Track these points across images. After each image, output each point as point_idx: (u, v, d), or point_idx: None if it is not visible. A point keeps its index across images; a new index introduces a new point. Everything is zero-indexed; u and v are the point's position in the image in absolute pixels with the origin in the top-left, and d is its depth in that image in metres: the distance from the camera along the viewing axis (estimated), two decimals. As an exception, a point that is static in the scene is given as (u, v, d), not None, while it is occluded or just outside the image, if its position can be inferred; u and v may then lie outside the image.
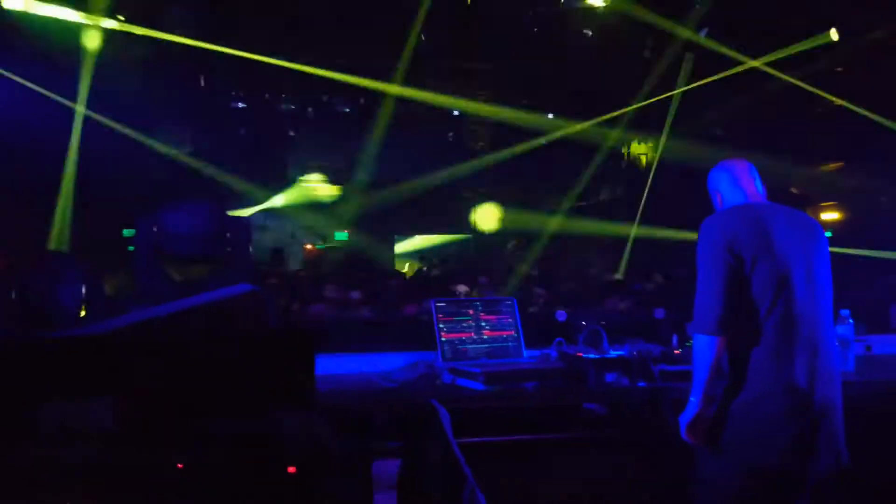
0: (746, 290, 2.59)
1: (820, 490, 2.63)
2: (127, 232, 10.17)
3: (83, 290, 2.77)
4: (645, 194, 10.72)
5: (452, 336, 3.41)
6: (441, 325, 3.40)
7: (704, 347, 2.58)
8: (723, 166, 2.88)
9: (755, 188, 2.83)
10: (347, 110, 12.23)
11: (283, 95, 12.16)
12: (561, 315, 3.77)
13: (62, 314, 2.71)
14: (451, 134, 13.16)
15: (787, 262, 2.62)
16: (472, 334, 3.45)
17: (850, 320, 3.40)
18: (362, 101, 11.64)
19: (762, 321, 2.58)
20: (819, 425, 2.59)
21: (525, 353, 3.48)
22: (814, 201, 11.27)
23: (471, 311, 3.49)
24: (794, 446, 2.57)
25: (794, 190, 10.67)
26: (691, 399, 2.63)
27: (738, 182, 2.82)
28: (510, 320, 3.53)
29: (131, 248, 3.07)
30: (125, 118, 8.83)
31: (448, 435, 2.73)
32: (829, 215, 11.65)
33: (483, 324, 3.48)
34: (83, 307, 2.76)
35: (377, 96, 10.13)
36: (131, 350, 2.26)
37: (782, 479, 2.63)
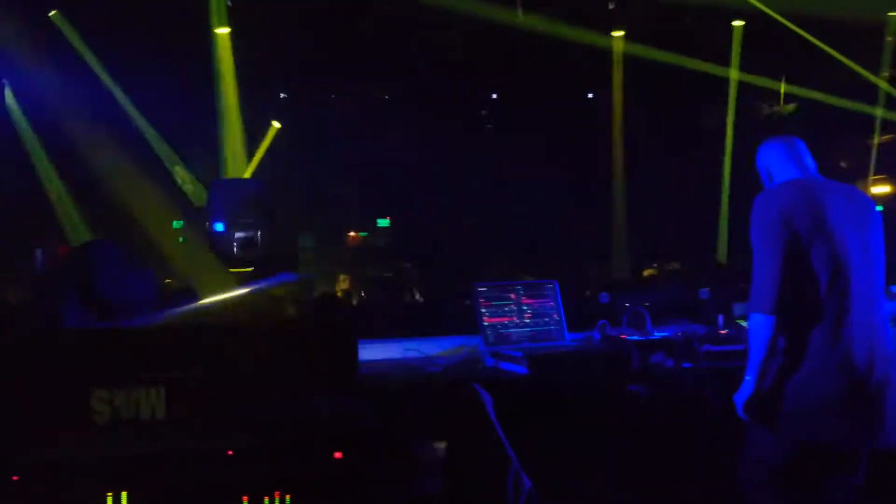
0: (803, 267, 2.55)
1: (873, 468, 2.63)
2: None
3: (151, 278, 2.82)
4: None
5: (495, 320, 3.42)
6: (483, 310, 3.41)
7: (761, 326, 2.54)
8: (772, 142, 2.83)
9: (806, 163, 2.76)
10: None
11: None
12: (604, 297, 3.75)
13: (131, 301, 2.75)
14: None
15: (844, 239, 2.57)
16: (515, 318, 3.45)
17: (901, 296, 3.32)
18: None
19: (819, 299, 2.54)
20: (876, 404, 2.55)
21: (567, 336, 3.47)
22: (864, 174, 10.98)
23: (512, 296, 3.49)
24: (850, 425, 2.54)
25: (843, 164, 10.41)
26: (746, 378, 2.60)
27: (788, 158, 2.76)
28: (552, 304, 3.52)
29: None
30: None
31: (492, 418, 2.74)
32: (881, 188, 11.35)
33: (525, 308, 3.48)
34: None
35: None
36: (181, 339, 2.31)
37: (835, 457, 2.62)
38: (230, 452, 2.20)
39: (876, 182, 11.35)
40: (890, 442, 2.59)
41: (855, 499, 2.68)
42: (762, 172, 2.85)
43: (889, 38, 8.82)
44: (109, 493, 2.11)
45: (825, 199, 2.62)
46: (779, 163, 2.78)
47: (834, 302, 2.54)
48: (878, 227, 2.69)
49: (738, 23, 8.69)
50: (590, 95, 11.87)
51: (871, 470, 2.67)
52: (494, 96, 12.40)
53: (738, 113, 10.30)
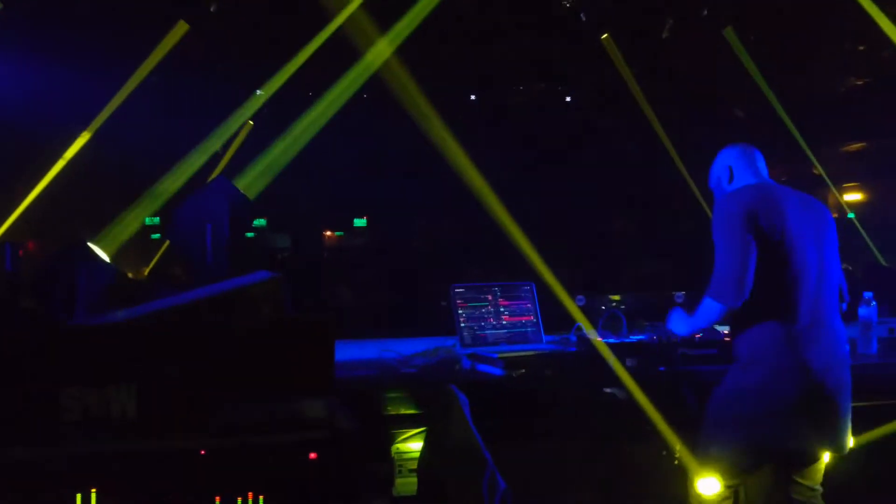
0: (761, 268, 2.59)
1: (818, 468, 2.71)
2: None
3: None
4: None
5: (472, 322, 3.41)
6: (460, 311, 3.41)
7: (713, 312, 2.66)
8: (733, 147, 2.91)
9: (762, 171, 2.86)
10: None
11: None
12: (580, 300, 3.76)
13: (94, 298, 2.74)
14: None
15: (801, 243, 2.63)
16: (492, 320, 3.45)
17: (874, 302, 3.36)
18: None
19: (776, 302, 2.60)
20: (832, 407, 2.61)
21: (544, 338, 3.48)
22: (836, 182, 11.14)
23: (489, 297, 3.48)
24: (807, 428, 2.60)
25: (815, 171, 10.55)
26: (680, 331, 2.88)
27: (748, 164, 2.85)
28: (529, 306, 3.52)
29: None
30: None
31: (468, 419, 2.74)
32: (852, 196, 11.51)
33: (502, 309, 3.48)
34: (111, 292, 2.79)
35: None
36: (153, 337, 2.27)
37: (795, 460, 2.69)
38: (203, 452, 2.17)
39: (848, 190, 11.52)
40: (836, 447, 2.66)
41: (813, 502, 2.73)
42: (723, 171, 2.89)
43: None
44: (79, 493, 2.08)
45: (785, 203, 2.68)
46: (739, 167, 2.85)
47: (790, 305, 2.59)
48: (833, 234, 2.77)
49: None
50: (568, 99, 11.92)
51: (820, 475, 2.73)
52: (473, 97, 12.39)
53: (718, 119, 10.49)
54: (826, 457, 2.74)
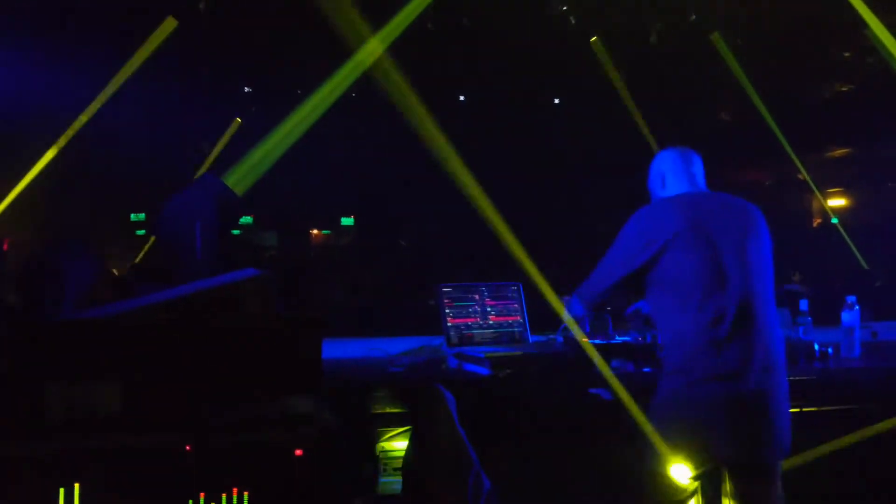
0: (681, 277, 2.61)
1: (756, 477, 2.63)
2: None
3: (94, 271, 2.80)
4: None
5: (458, 321, 3.42)
6: (447, 311, 3.41)
7: (574, 309, 2.90)
8: (668, 152, 2.90)
9: (695, 177, 2.84)
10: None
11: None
12: (567, 301, 3.77)
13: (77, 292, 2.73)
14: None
15: (721, 250, 2.62)
16: (478, 319, 3.46)
17: (857, 307, 3.40)
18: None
19: (698, 308, 2.58)
20: (760, 414, 2.57)
21: (531, 338, 3.49)
22: (820, 188, 11.24)
23: (476, 297, 3.49)
24: (738, 436, 2.56)
25: (800, 176, 10.64)
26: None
27: (683, 170, 2.83)
28: (516, 306, 3.54)
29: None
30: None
31: (454, 419, 2.74)
32: (836, 201, 11.61)
33: (489, 309, 3.49)
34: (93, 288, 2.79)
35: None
36: (139, 334, 2.27)
37: (715, 464, 2.63)
38: (188, 448, 2.17)
39: (832, 195, 11.63)
40: (768, 456, 2.61)
41: None
42: (656, 177, 2.89)
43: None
44: (62, 488, 2.07)
45: (706, 211, 2.68)
46: (673, 173, 2.84)
47: (713, 311, 2.57)
48: (762, 236, 2.73)
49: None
50: (556, 101, 11.95)
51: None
52: (462, 98, 12.40)
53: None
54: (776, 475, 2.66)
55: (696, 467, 2.61)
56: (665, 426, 2.61)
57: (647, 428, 2.65)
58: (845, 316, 3.39)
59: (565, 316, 3.00)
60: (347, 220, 13.87)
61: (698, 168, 2.86)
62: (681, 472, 2.61)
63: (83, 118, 8.53)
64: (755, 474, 2.64)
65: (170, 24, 7.80)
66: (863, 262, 8.81)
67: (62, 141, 8.57)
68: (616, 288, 2.76)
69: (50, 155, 8.63)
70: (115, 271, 7.37)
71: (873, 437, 3.13)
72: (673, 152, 2.88)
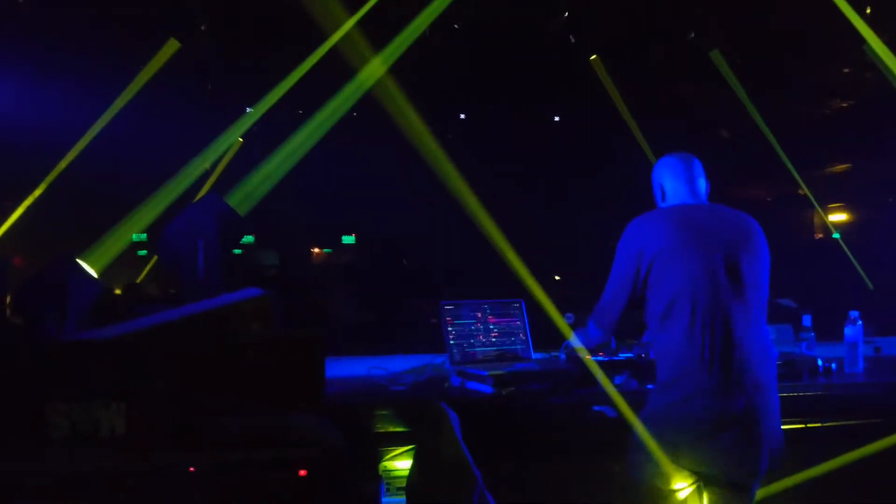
0: (669, 290, 2.61)
1: (732, 495, 2.61)
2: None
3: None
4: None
5: (461, 339, 3.42)
6: (449, 328, 3.41)
7: (593, 336, 2.93)
8: (667, 161, 2.87)
9: (696, 187, 2.82)
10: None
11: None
12: (569, 318, 3.76)
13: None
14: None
15: (712, 263, 2.61)
16: (481, 337, 3.45)
17: (860, 322, 3.39)
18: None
19: (687, 323, 2.58)
20: (749, 431, 2.55)
21: (534, 355, 3.48)
22: (821, 202, 11.25)
23: (479, 314, 3.49)
24: (718, 450, 2.55)
25: (801, 191, 10.65)
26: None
27: (684, 179, 2.81)
28: (518, 323, 3.53)
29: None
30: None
31: (457, 437, 2.73)
32: (837, 216, 11.61)
33: (491, 326, 3.49)
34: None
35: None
36: (142, 354, 2.27)
37: (722, 485, 2.61)
38: (192, 469, 2.16)
39: (833, 210, 11.63)
40: (755, 472, 2.59)
41: None
42: (656, 189, 2.90)
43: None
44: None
45: (698, 225, 2.68)
46: (673, 181, 2.83)
47: (701, 326, 2.57)
48: (759, 252, 2.72)
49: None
50: (556, 119, 12.00)
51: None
52: (462, 116, 12.44)
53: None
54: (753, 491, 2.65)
55: (677, 480, 2.60)
56: (651, 438, 2.60)
57: (646, 440, 2.64)
58: (848, 331, 3.38)
59: (574, 341, 3.06)
60: (349, 239, 13.89)
61: (699, 174, 2.84)
62: (663, 482, 2.61)
63: (86, 139, 8.59)
64: (732, 491, 2.62)
65: (172, 46, 7.87)
66: (868, 283, 8.77)
67: (62, 164, 8.62)
68: (628, 309, 2.77)
69: (52, 176, 8.68)
70: (116, 291, 7.38)
71: (878, 452, 3.11)
72: (673, 159, 2.86)
